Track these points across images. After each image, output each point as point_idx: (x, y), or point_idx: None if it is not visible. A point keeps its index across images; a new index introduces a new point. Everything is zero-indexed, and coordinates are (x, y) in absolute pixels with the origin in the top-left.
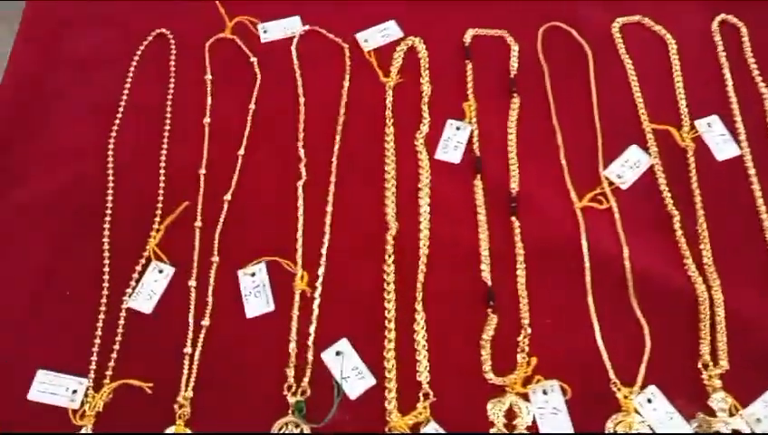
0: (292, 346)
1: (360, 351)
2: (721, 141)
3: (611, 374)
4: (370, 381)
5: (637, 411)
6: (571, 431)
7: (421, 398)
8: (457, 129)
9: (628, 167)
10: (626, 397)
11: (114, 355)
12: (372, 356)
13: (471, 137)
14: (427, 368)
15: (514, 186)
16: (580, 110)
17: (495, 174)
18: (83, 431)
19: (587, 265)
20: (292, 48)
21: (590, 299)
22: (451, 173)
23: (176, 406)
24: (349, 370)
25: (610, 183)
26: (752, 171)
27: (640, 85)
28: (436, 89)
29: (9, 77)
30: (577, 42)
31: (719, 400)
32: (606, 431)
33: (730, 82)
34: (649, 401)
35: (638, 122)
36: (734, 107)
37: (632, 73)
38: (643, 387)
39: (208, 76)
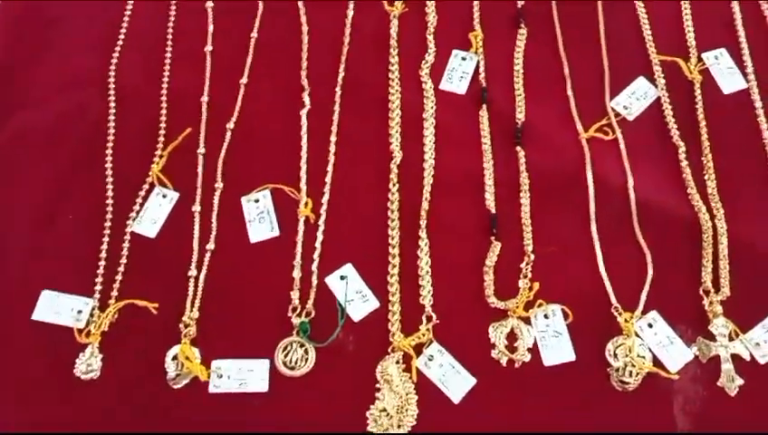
0: (297, 271)
1: (365, 276)
2: (728, 74)
3: (613, 299)
4: (374, 304)
5: (637, 335)
6: (572, 354)
7: (424, 320)
8: (463, 59)
9: (635, 98)
10: (627, 321)
11: (119, 277)
12: (376, 281)
13: (477, 67)
14: (431, 292)
15: (520, 116)
16: (587, 42)
17: (501, 105)
18: (88, 350)
19: (591, 194)
20: None
21: (593, 227)
22: (456, 103)
23: (181, 326)
24: (353, 293)
25: (617, 114)
26: (758, 104)
27: (649, 18)
28: (442, 19)
29: (9, 3)
30: None
31: (719, 325)
32: (606, 353)
33: (739, 16)
34: (650, 325)
35: (646, 54)
36: (742, 41)
37: (641, 6)
38: (644, 313)
39: (209, 4)
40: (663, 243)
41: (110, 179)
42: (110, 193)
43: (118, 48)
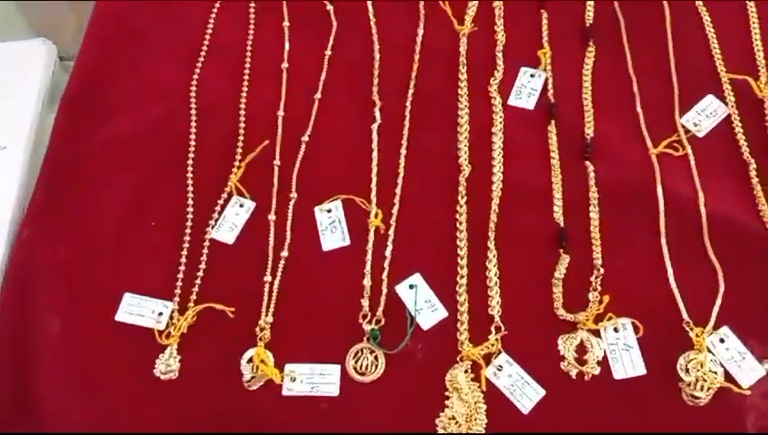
0: (367, 279)
1: (433, 286)
2: None
3: (684, 314)
4: (443, 313)
5: (709, 350)
6: (643, 368)
7: (493, 331)
8: (531, 76)
9: (705, 115)
10: (698, 336)
11: (198, 282)
12: (445, 291)
13: (545, 84)
14: (499, 303)
15: (589, 131)
16: (655, 60)
17: (569, 121)
18: (168, 351)
19: (661, 208)
20: None
21: (663, 241)
22: (525, 119)
23: (257, 329)
24: (422, 302)
25: (686, 131)
26: None
27: (717, 37)
28: (511, 37)
29: (96, 15)
30: None
31: None
32: (678, 368)
33: None
34: (722, 340)
35: (715, 73)
36: None
37: (709, 25)
38: (716, 328)
39: (286, 23)
40: (734, 259)
41: (190, 188)
42: (190, 201)
43: (200, 61)
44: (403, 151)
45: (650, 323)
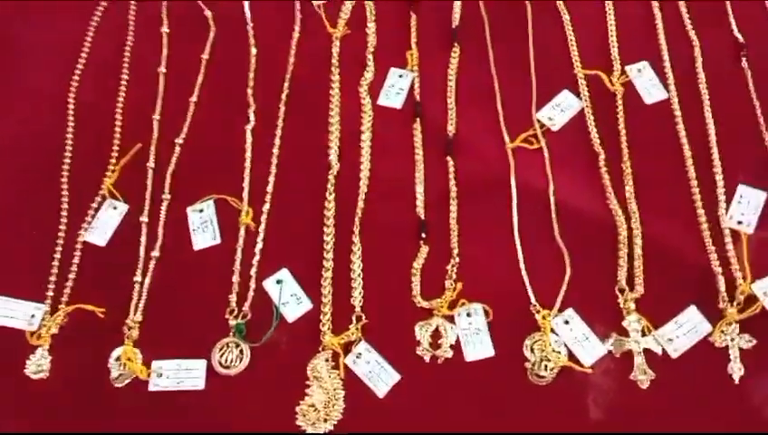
0: (236, 275)
1: (300, 280)
2: (650, 86)
3: (532, 298)
4: (307, 305)
5: (553, 331)
6: (491, 349)
7: (354, 320)
8: (400, 76)
9: (560, 110)
10: (544, 318)
11: (70, 283)
12: (312, 284)
13: (412, 84)
14: (362, 293)
15: (451, 128)
16: (518, 59)
17: (434, 118)
18: (38, 352)
19: (514, 199)
20: (245, 2)
21: (515, 230)
22: (392, 117)
23: (125, 328)
24: (288, 296)
25: (542, 125)
26: (677, 113)
27: (576, 35)
28: (382, 40)
29: None
30: None
31: (633, 321)
32: (524, 349)
33: (662, 31)
34: (566, 322)
35: (572, 69)
36: (665, 54)
37: (568, 24)
38: (562, 310)
39: (165, 29)
40: (582, 244)
41: (65, 192)
42: (65, 205)
43: (79, 69)
44: (275, 151)
45: (502, 308)
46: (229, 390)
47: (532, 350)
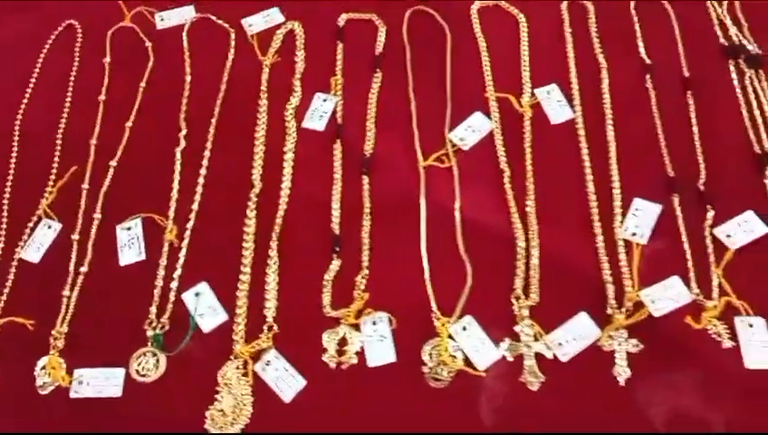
0: (157, 289)
1: (218, 292)
2: (557, 107)
3: (434, 307)
4: (223, 317)
5: (451, 337)
6: (393, 355)
7: (265, 330)
8: (324, 101)
9: (471, 131)
10: (443, 325)
11: (4, 298)
12: (231, 297)
13: (336, 108)
14: (275, 305)
15: (368, 149)
16: (436, 83)
17: (354, 140)
18: None
19: (423, 215)
20: (183, 33)
21: (423, 244)
22: (315, 139)
23: (51, 339)
24: (205, 308)
25: (453, 145)
26: (581, 132)
27: (491, 60)
28: (310, 67)
29: None
30: (440, 23)
31: (525, 326)
32: (422, 355)
33: (572, 55)
34: (464, 328)
35: (486, 92)
36: (573, 77)
37: (484, 50)
38: (461, 318)
39: (107, 59)
40: (484, 257)
41: (5, 212)
42: (3, 225)
43: (26, 96)
44: (203, 172)
45: (406, 317)
46: (146, 396)
47: (430, 355)
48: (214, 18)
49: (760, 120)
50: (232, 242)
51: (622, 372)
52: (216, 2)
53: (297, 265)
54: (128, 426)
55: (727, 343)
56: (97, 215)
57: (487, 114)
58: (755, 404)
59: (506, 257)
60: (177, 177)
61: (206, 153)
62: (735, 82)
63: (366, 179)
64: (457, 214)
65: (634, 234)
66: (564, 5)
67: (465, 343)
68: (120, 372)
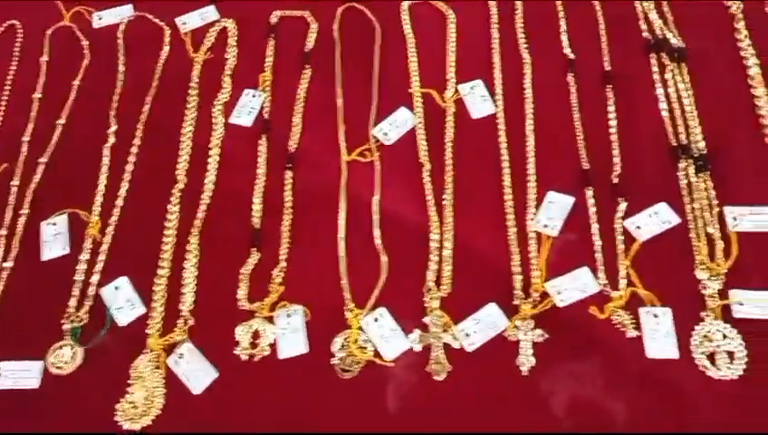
0: (78, 284)
1: (138, 286)
2: (480, 102)
3: (347, 299)
4: (141, 310)
5: (362, 329)
6: (305, 347)
7: (180, 322)
8: (253, 96)
9: (395, 126)
10: (355, 317)
11: None
12: (149, 290)
13: (264, 104)
14: (193, 298)
15: (293, 144)
16: (364, 79)
17: (280, 135)
18: None
19: (343, 208)
20: (119, 32)
21: (341, 237)
22: (241, 135)
23: None
24: (123, 301)
25: (377, 140)
26: (501, 127)
27: (420, 57)
28: (241, 63)
29: None
30: (371, 20)
31: (434, 317)
32: (332, 346)
33: (497, 51)
34: (376, 319)
35: (409, 87)
36: (497, 72)
37: (412, 46)
38: (375, 309)
39: (44, 58)
40: (400, 249)
41: None
42: None
43: None
44: (129, 168)
45: (321, 309)
46: (63, 388)
47: (341, 347)
48: (150, 17)
49: (678, 113)
50: (155, 237)
51: (526, 361)
52: (157, 1)
53: (217, 259)
54: (44, 417)
55: (631, 333)
56: (24, 211)
57: (412, 109)
58: (655, 393)
59: (422, 250)
60: (104, 172)
61: (134, 149)
62: (656, 76)
63: (289, 174)
64: (375, 208)
65: (546, 226)
66: (493, 2)
67: (375, 335)
68: (38, 364)
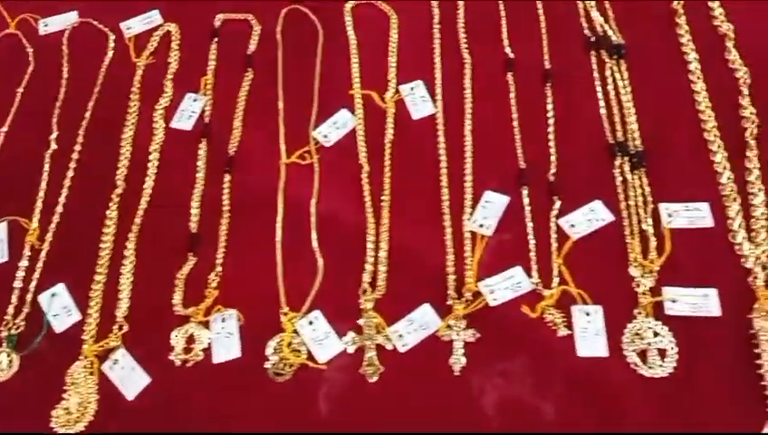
0: (16, 291)
1: (76, 293)
2: (420, 102)
3: (283, 302)
4: (76, 317)
5: (296, 332)
6: (239, 351)
7: (115, 329)
8: (194, 100)
9: (335, 127)
10: (289, 320)
11: None
12: (85, 297)
13: (204, 107)
14: (128, 304)
15: (232, 148)
16: (306, 81)
17: (220, 138)
18: None
19: (280, 211)
20: (64, 38)
21: (278, 240)
22: (182, 139)
23: None
24: (60, 308)
25: (317, 142)
26: (440, 128)
27: (361, 57)
28: (184, 67)
29: None
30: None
31: (368, 319)
32: (266, 350)
33: (438, 51)
34: (311, 322)
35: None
36: (437, 73)
37: (354, 48)
38: (310, 312)
39: None
40: (337, 252)
41: None
42: None
43: None
44: (70, 174)
45: (257, 313)
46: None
47: (275, 350)
48: (95, 23)
49: (616, 111)
50: (93, 243)
51: (457, 361)
52: (102, 6)
53: (154, 265)
54: None
55: (562, 332)
56: None
57: (353, 110)
58: (585, 392)
59: (360, 252)
60: (45, 178)
61: (74, 155)
62: (596, 74)
63: (227, 178)
64: (313, 210)
65: (481, 225)
66: (435, 3)
67: (309, 338)
68: None
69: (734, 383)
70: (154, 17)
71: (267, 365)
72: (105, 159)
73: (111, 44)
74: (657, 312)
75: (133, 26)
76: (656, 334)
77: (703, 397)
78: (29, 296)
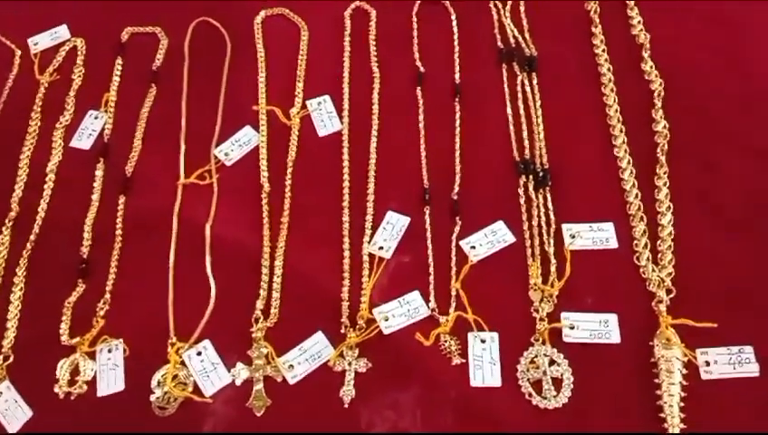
0: None
1: None
2: (327, 118)
3: (171, 331)
4: None
5: (183, 363)
6: (122, 384)
7: (0, 359)
8: (96, 118)
9: (238, 145)
10: (176, 351)
11: None
12: None
13: (105, 125)
14: (14, 334)
15: (129, 167)
16: (212, 96)
17: (119, 158)
18: None
19: (174, 234)
20: None
21: (170, 264)
22: (80, 159)
23: None
24: None
25: (218, 160)
26: (345, 145)
27: (269, 71)
28: (88, 83)
29: None
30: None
31: (258, 349)
32: (152, 382)
33: (347, 64)
34: (199, 353)
35: (257, 105)
36: (345, 87)
37: (262, 61)
38: (200, 341)
39: None
40: (232, 277)
41: None
42: None
43: None
44: None
45: (146, 343)
46: None
47: (158, 383)
48: (2, 39)
49: (525, 126)
50: None
51: (348, 392)
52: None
53: (44, 292)
54: None
55: (456, 360)
56: None
57: (257, 128)
58: (475, 424)
59: (255, 278)
60: None
61: None
62: (507, 87)
63: (122, 199)
64: (208, 233)
65: (381, 247)
66: (347, 12)
67: (196, 369)
68: None
69: (629, 415)
70: (61, 32)
71: (152, 399)
72: (3, 181)
73: (17, 61)
74: (556, 339)
75: (40, 41)
76: (552, 362)
77: (598, 429)
78: None
